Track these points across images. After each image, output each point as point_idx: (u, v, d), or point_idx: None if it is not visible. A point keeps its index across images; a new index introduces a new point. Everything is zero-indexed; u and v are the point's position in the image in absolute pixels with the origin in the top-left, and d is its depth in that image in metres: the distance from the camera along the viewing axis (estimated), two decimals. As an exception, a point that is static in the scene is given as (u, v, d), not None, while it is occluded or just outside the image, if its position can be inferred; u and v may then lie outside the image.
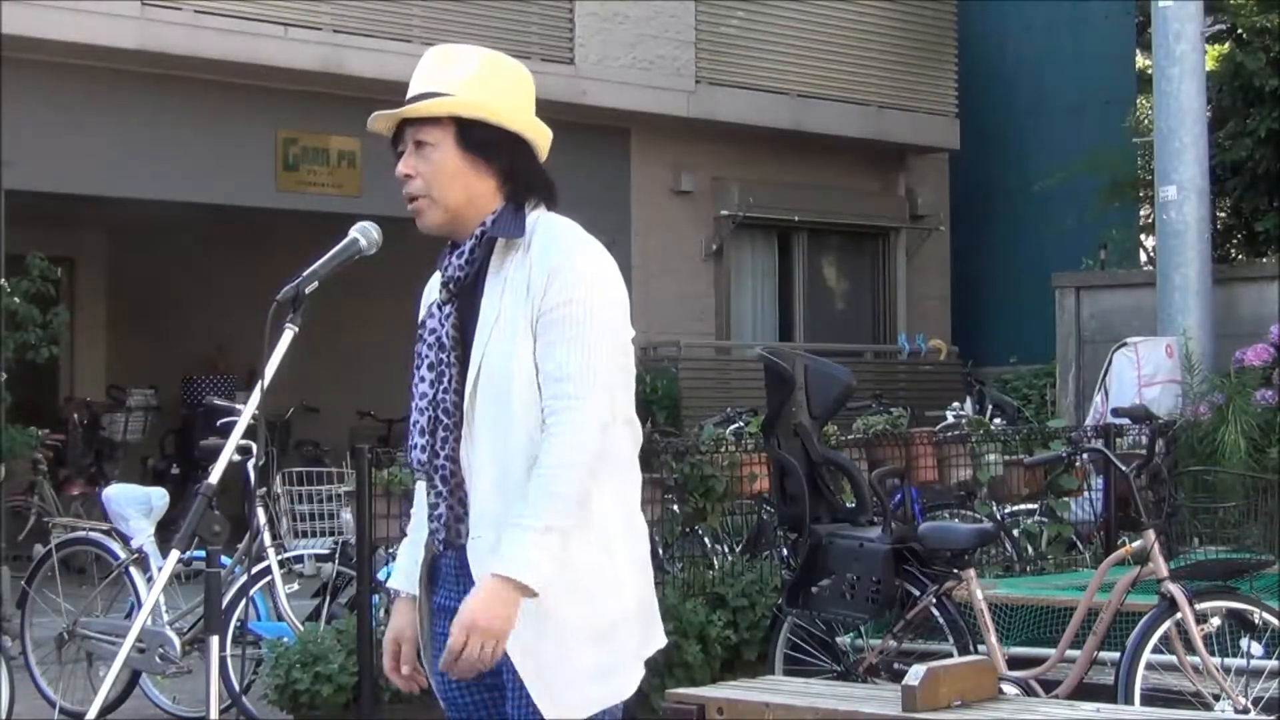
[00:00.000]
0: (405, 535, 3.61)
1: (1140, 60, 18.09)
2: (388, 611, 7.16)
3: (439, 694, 3.47)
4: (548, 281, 3.26)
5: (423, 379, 3.38)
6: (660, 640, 3.45)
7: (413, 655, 3.50)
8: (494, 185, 3.36)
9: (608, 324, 3.28)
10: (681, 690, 4.63)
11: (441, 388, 3.34)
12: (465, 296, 3.37)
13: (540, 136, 3.42)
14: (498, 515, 3.26)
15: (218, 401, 10.20)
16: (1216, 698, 6.14)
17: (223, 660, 3.63)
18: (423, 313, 3.46)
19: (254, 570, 7.77)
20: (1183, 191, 11.52)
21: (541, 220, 3.36)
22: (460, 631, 3.14)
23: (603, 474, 3.27)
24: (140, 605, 7.90)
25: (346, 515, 8.00)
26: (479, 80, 3.36)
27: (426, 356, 3.38)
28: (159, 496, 8.36)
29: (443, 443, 3.33)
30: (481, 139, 3.34)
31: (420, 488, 3.53)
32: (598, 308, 3.27)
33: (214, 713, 3.27)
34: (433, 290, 3.49)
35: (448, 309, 3.39)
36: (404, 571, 3.54)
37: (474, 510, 3.31)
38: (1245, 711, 6.06)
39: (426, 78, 3.38)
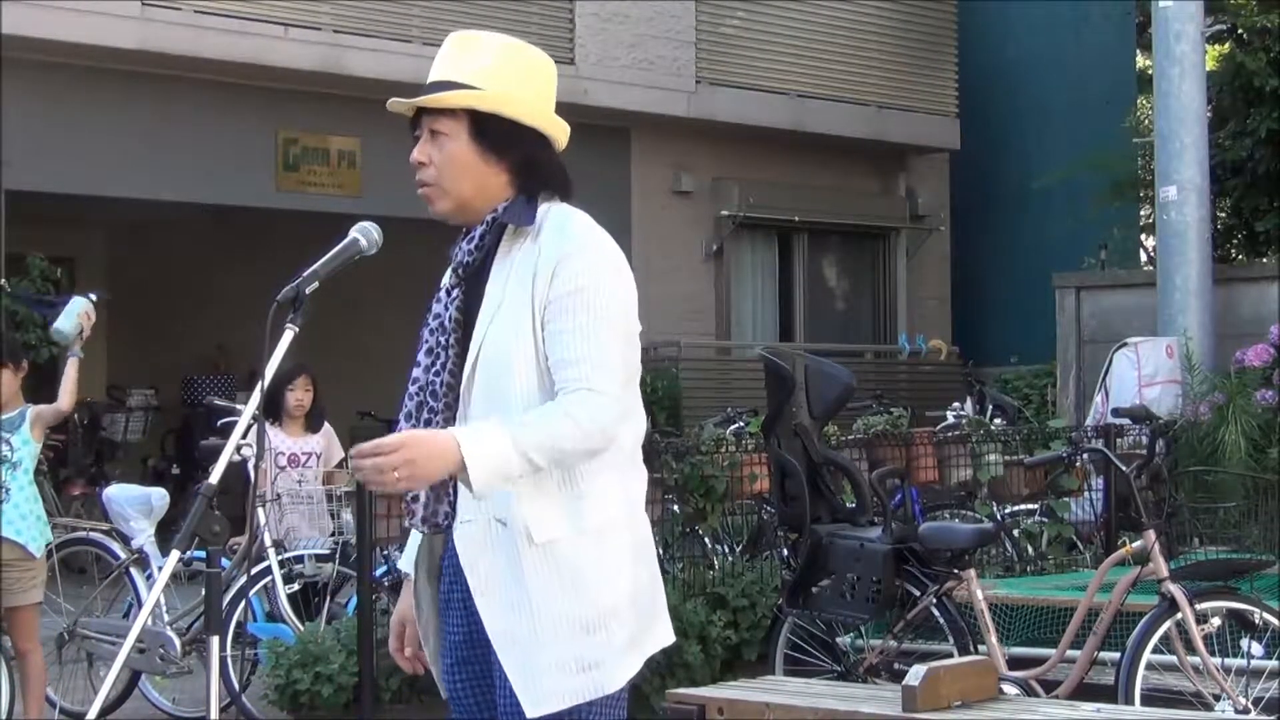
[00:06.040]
0: (404, 533, 3.61)
1: (1140, 60, 18.10)
2: (386, 613, 7.21)
3: (443, 688, 3.47)
4: (556, 268, 3.23)
5: (418, 363, 3.36)
6: (667, 637, 3.42)
7: (415, 637, 3.49)
8: (506, 178, 3.34)
9: (617, 313, 3.25)
10: (682, 690, 4.63)
11: (434, 371, 3.32)
12: (472, 282, 3.35)
13: (557, 130, 3.39)
14: (490, 500, 3.21)
15: (218, 401, 10.19)
16: (1217, 698, 6.13)
17: (222, 660, 3.63)
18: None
19: (254, 571, 7.77)
20: (1183, 191, 11.52)
21: (553, 210, 3.34)
22: (393, 443, 3.04)
23: (601, 462, 3.24)
24: (140, 605, 7.90)
25: (346, 515, 8.00)
26: (498, 71, 3.33)
27: (427, 340, 3.36)
28: (159, 496, 8.35)
29: (425, 424, 3.30)
30: (496, 133, 3.31)
31: None
32: (607, 296, 3.24)
33: (214, 713, 3.27)
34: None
35: (455, 293, 3.36)
36: (408, 555, 3.53)
37: (463, 493, 3.27)
38: (1245, 711, 6.06)
39: (446, 65, 3.36)
